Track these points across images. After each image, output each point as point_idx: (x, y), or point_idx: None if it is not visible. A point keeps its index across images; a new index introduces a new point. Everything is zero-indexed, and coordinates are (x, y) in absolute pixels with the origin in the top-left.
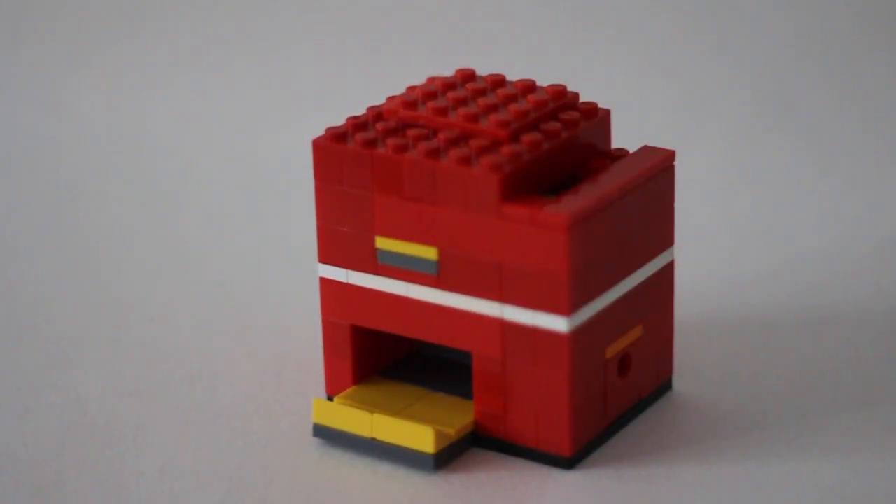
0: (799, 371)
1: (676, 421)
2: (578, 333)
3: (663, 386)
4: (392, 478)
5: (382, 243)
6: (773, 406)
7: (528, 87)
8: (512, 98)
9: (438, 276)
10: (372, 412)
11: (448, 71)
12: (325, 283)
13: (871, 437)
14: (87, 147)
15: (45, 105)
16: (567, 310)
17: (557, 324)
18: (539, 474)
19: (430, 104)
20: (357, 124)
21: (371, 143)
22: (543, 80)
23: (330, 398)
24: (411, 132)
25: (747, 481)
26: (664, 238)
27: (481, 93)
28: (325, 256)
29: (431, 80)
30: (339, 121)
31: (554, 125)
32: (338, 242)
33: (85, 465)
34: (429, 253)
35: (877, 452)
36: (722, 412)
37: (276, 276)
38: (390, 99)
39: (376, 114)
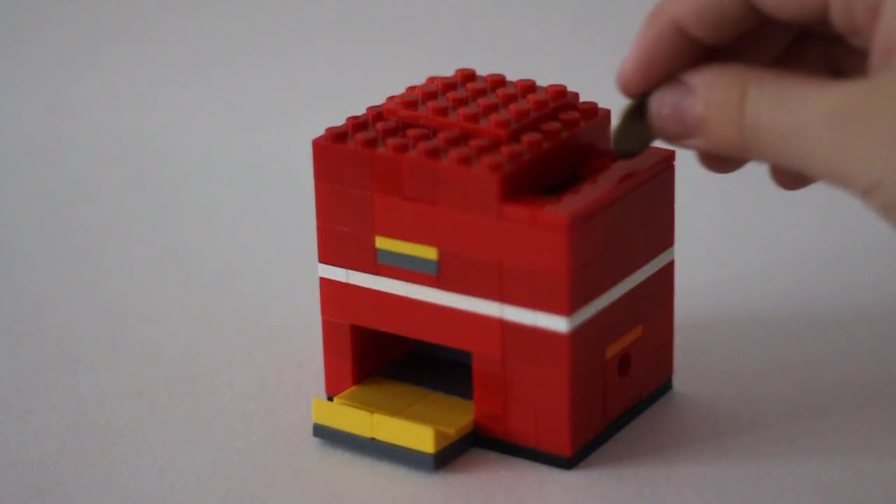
0: (799, 371)
1: (676, 421)
2: (578, 333)
3: (663, 386)
4: (392, 478)
5: (382, 243)
6: (773, 406)
7: (528, 87)
8: (512, 98)
9: (438, 276)
10: (372, 412)
11: (448, 71)
12: (325, 283)
13: (871, 437)
14: (87, 147)
15: (46, 106)
16: (567, 310)
17: (557, 324)
18: (539, 474)
19: (430, 104)
20: (357, 124)
21: (371, 143)
22: (543, 80)
23: (330, 398)
24: (411, 132)
25: (747, 481)
26: (664, 238)
27: (481, 93)
28: (325, 256)
29: (431, 80)
30: (339, 121)
31: (554, 125)
32: (338, 242)
33: (85, 465)
34: (429, 253)
35: (877, 452)
36: (722, 412)
37: (276, 276)
38: (390, 99)
39: (376, 114)
